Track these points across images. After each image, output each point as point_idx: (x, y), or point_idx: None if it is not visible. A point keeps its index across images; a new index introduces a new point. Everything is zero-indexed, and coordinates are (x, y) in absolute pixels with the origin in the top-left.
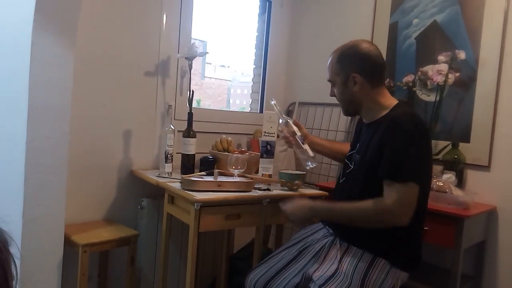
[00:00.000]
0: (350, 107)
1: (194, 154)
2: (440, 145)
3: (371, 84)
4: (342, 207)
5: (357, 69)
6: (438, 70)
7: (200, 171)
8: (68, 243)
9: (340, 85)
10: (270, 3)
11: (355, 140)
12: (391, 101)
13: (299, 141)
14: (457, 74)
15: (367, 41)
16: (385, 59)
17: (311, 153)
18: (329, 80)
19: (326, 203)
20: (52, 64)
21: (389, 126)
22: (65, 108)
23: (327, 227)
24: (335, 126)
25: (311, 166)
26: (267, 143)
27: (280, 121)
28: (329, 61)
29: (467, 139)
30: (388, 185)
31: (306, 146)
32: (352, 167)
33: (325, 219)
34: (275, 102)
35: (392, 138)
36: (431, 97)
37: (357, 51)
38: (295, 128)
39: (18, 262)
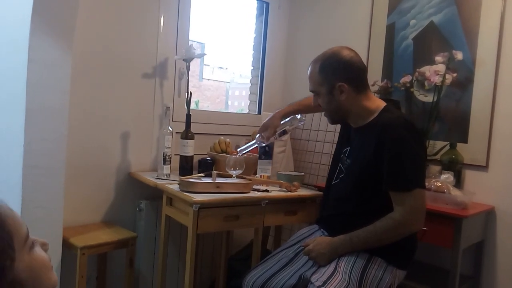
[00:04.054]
0: (336, 115)
1: (192, 156)
2: (438, 146)
3: (356, 91)
4: (359, 235)
5: (342, 78)
6: (435, 71)
7: (199, 173)
8: (67, 245)
9: (325, 95)
10: (267, 4)
11: (345, 143)
12: (377, 104)
13: (285, 131)
14: (454, 75)
15: (346, 48)
16: (382, 60)
17: (295, 122)
18: (312, 91)
19: (343, 236)
20: (50, 66)
21: (382, 135)
22: (62, 110)
23: (322, 230)
24: (333, 128)
25: (303, 122)
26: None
27: (260, 143)
28: (309, 71)
29: (465, 140)
30: (395, 197)
31: (288, 127)
32: (344, 171)
33: (347, 250)
34: (240, 147)
35: (389, 149)
36: (429, 98)
37: (339, 59)
38: (270, 138)
39: None
